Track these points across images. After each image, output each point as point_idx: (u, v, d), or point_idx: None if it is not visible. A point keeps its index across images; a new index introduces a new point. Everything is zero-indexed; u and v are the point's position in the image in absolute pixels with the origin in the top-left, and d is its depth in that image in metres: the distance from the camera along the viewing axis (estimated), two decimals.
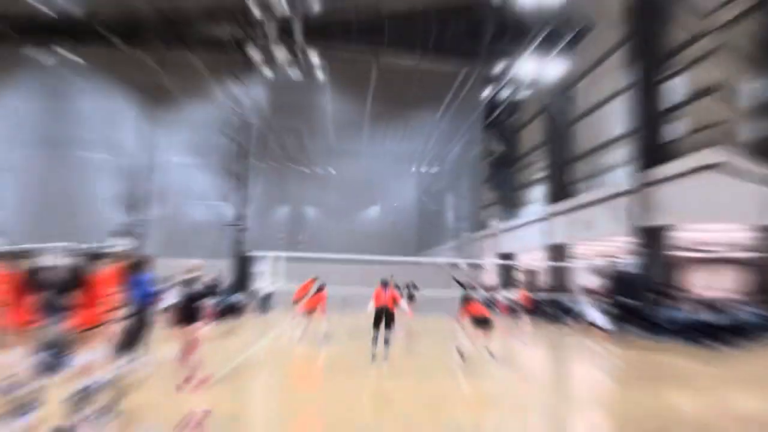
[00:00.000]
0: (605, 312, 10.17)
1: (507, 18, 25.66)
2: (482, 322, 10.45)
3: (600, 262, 24.52)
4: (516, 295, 13.82)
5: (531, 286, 37.12)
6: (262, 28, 22.49)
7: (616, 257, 26.63)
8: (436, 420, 6.79)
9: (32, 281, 8.13)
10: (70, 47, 25.36)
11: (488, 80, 27.95)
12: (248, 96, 19.12)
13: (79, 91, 27.63)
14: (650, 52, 20.00)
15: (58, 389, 7.14)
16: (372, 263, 24.44)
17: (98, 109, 26.42)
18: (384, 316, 10.73)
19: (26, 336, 6.49)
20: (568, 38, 23.24)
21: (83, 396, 6.28)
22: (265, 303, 22.60)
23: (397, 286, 16.61)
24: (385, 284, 11.12)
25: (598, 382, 9.89)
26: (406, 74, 28.30)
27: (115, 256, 8.51)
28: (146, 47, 24.70)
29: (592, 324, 9.91)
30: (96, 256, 7.01)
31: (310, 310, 13.50)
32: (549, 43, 23.84)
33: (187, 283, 7.56)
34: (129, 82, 26.30)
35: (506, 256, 34.65)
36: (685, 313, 17.51)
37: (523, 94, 28.76)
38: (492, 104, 30.80)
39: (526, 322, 12.48)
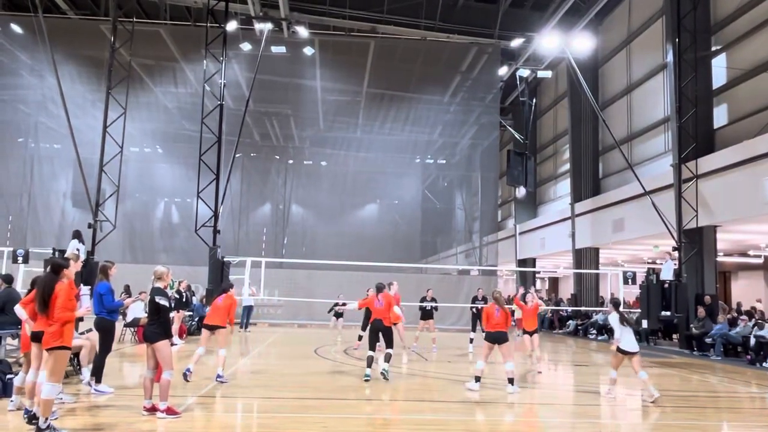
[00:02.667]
0: (634, 331, 10.14)
1: None
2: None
3: (633, 268, 24.75)
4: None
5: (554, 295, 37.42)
6: None
7: (653, 263, 26.85)
8: None
9: None
10: (11, 15, 25.49)
11: (505, 57, 28.10)
12: (224, 75, 19.28)
13: (24, 68, 27.81)
14: (692, 24, 20.16)
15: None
16: (369, 270, 24.62)
17: (48, 90, 26.59)
18: (378, 333, 10.91)
19: None
20: (596, 8, 23.39)
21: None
22: (246, 317, 22.79)
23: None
24: (380, 290, 11.15)
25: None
26: (409, 50, 28.44)
27: (70, 263, 8.70)
28: (104, 17, 24.84)
29: (620, 350, 9.85)
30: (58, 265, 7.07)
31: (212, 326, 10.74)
32: (575, 14, 24.02)
33: (155, 292, 7.71)
34: (85, 59, 26.48)
35: (525, 262, 34.91)
36: (730, 327, 17.74)
37: (546, 73, 28.91)
38: (509, 85, 30.96)
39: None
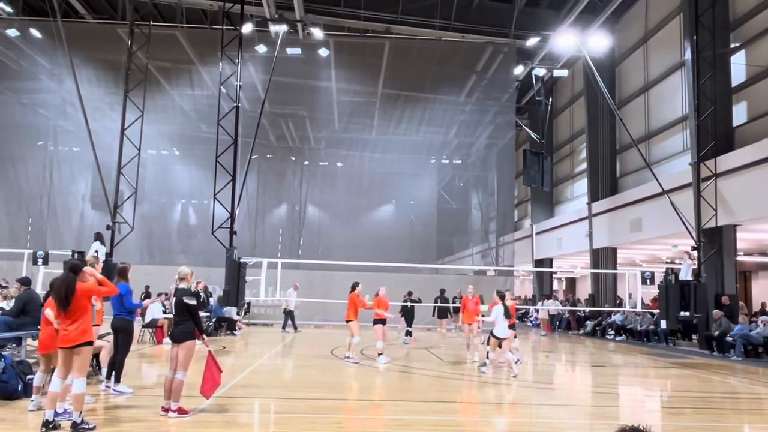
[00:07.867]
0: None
1: None
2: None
3: (652, 268, 24.52)
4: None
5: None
6: None
7: (672, 263, 26.60)
8: None
9: None
10: (30, 20, 25.81)
11: (520, 56, 27.98)
12: (240, 77, 19.41)
13: (43, 72, 28.16)
14: (710, 21, 19.96)
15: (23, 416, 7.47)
16: (385, 271, 24.65)
17: (67, 93, 26.89)
18: None
19: None
20: (613, 6, 23.22)
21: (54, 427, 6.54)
22: (289, 319, 22.93)
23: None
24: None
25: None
26: (424, 50, 28.41)
27: (91, 264, 8.80)
28: (121, 20, 25.11)
29: (494, 336, 12.00)
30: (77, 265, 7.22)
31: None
32: (591, 12, 23.87)
33: (182, 293, 7.74)
34: (102, 62, 26.74)
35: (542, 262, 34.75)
36: (750, 328, 17.53)
37: (562, 72, 28.73)
38: (525, 84, 30.83)
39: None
